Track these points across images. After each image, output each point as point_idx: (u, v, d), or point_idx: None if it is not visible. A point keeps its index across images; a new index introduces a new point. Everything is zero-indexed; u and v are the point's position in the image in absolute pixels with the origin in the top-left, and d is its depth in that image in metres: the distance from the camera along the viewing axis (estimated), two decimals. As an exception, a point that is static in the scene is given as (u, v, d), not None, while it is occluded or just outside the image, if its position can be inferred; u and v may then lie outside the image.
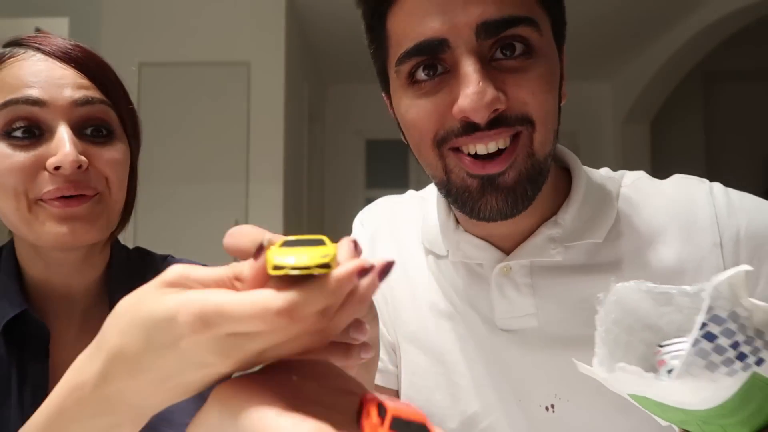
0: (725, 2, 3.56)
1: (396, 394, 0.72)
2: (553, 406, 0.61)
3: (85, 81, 0.62)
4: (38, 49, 0.62)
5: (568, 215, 0.61)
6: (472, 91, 0.51)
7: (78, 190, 0.60)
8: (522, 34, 0.53)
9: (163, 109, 3.07)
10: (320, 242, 0.30)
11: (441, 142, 0.55)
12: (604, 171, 0.68)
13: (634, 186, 0.65)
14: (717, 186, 0.63)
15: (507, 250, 0.63)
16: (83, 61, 0.63)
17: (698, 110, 5.08)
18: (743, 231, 0.59)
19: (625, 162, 4.86)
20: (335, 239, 0.31)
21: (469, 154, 0.55)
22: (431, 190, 0.74)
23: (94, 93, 0.62)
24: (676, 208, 0.62)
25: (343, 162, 5.38)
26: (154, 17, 3.24)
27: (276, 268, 0.27)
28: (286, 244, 0.29)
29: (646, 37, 4.20)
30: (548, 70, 0.55)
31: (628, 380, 0.40)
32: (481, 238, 0.64)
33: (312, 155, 4.50)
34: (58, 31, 3.00)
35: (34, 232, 0.60)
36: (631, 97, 4.71)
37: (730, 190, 0.62)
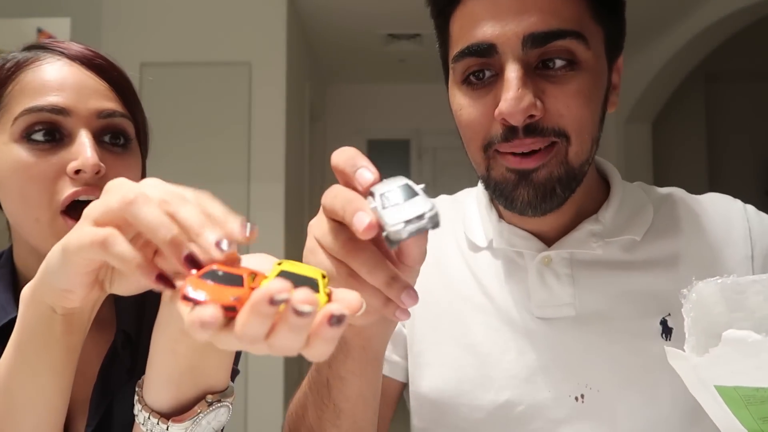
0: (727, 2, 3.55)
1: (402, 386, 0.75)
2: (582, 396, 0.63)
3: (108, 92, 0.63)
4: (63, 54, 0.62)
5: (609, 213, 0.66)
6: (510, 96, 0.55)
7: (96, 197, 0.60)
8: (568, 47, 0.57)
9: (164, 110, 3.07)
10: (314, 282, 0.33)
11: (487, 147, 0.61)
12: (637, 184, 0.74)
13: (672, 196, 0.71)
14: (750, 206, 0.69)
15: (548, 243, 0.67)
16: (107, 70, 0.64)
17: (700, 110, 5.07)
18: None
19: (626, 161, 4.85)
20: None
21: (511, 153, 0.60)
22: (465, 193, 0.80)
23: (116, 106, 0.63)
24: (713, 218, 0.67)
25: (345, 162, 5.37)
26: (156, 17, 3.25)
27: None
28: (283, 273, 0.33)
29: (648, 37, 4.19)
30: (589, 83, 0.58)
31: (728, 358, 0.39)
32: (524, 230, 0.68)
33: (313, 155, 4.50)
34: (60, 31, 3.00)
35: (49, 246, 0.60)
36: (633, 97, 4.70)
37: (761, 212, 0.69)
